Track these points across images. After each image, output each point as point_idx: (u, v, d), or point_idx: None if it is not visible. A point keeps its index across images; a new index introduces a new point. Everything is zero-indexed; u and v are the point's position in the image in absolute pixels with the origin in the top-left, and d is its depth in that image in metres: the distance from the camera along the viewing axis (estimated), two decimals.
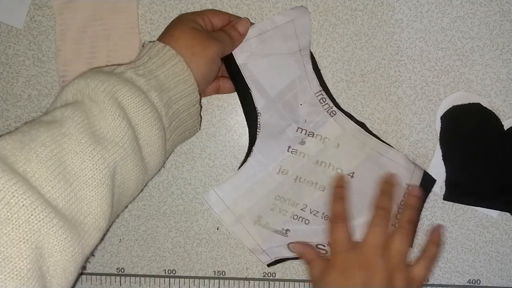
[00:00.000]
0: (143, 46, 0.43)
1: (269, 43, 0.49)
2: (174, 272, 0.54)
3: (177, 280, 0.54)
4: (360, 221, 0.49)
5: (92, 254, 0.37)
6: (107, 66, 0.42)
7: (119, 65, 0.41)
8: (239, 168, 0.51)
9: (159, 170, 0.44)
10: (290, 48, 0.50)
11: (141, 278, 0.54)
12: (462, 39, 0.51)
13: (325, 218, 0.50)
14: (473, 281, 0.53)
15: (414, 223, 0.49)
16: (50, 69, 0.53)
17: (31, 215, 0.31)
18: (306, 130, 0.50)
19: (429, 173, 0.51)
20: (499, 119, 0.51)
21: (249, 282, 0.54)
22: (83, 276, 0.54)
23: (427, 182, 0.51)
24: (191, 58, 0.42)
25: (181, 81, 0.42)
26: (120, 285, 0.54)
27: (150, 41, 0.43)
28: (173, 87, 0.41)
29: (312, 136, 0.50)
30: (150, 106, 0.39)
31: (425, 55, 0.51)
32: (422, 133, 0.52)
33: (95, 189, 0.35)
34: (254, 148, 0.50)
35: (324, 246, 0.50)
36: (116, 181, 0.37)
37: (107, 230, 0.38)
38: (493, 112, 0.51)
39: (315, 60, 0.51)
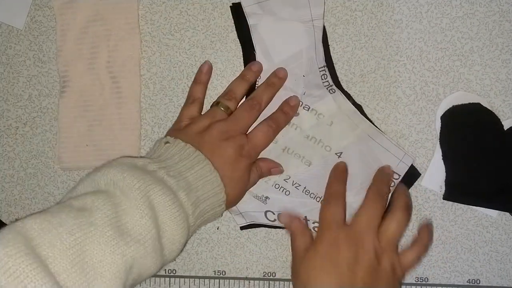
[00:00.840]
0: (168, 142, 0.45)
1: (281, 8, 0.50)
2: (174, 271, 0.54)
3: (177, 279, 0.54)
4: None
5: None
6: (137, 158, 0.44)
7: (151, 159, 0.44)
8: None
9: None
10: (302, 16, 0.50)
11: None
12: (461, 40, 0.51)
13: (306, 192, 0.51)
14: (473, 280, 0.53)
15: (409, 209, 0.49)
16: (50, 69, 0.54)
17: None
18: (302, 103, 0.51)
19: (429, 173, 0.51)
20: (499, 119, 0.51)
21: (249, 282, 0.54)
22: None
23: (411, 175, 0.51)
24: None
25: (208, 182, 0.44)
26: None
27: (175, 139, 0.45)
28: (201, 187, 0.43)
29: (308, 110, 0.51)
30: (179, 206, 0.41)
31: (424, 56, 0.51)
32: (421, 133, 0.52)
33: (107, 282, 0.36)
34: None
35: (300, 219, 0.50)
36: (131, 274, 0.38)
37: None
38: (493, 112, 0.51)
39: (326, 34, 0.51)
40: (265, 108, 0.50)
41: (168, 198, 0.40)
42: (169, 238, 0.41)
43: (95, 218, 0.37)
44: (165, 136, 0.47)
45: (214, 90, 0.53)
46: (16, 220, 0.35)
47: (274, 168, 0.51)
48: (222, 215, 0.47)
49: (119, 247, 0.37)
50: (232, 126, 0.47)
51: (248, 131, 0.49)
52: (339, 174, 0.50)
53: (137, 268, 0.39)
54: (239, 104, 0.50)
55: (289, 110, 0.50)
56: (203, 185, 0.43)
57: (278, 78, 0.50)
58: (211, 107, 0.49)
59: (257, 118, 0.49)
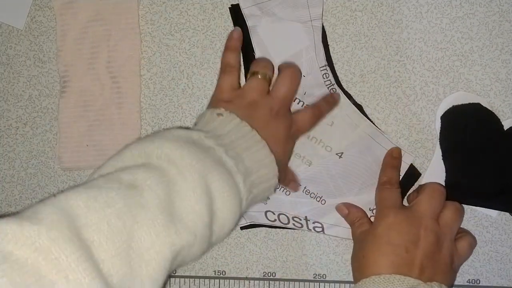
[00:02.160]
0: (221, 114, 0.42)
1: (280, 9, 0.50)
2: (174, 272, 0.54)
3: (177, 279, 0.54)
4: (338, 202, 0.50)
5: None
6: (190, 130, 0.41)
7: (205, 132, 0.40)
8: None
9: None
10: (301, 17, 0.50)
11: None
12: (461, 40, 0.51)
13: (306, 193, 0.51)
14: (473, 281, 0.53)
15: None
16: (51, 69, 0.54)
17: None
18: (303, 102, 0.51)
19: (429, 173, 0.51)
20: (498, 119, 0.51)
21: (249, 282, 0.54)
22: None
23: (411, 175, 0.51)
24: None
25: (264, 166, 0.41)
26: None
27: (230, 112, 0.43)
28: (255, 171, 0.41)
29: None
30: (236, 192, 0.39)
31: (424, 56, 0.51)
32: (421, 133, 0.52)
33: (152, 272, 0.33)
34: None
35: (300, 219, 0.51)
36: (175, 261, 0.36)
37: None
38: (493, 112, 0.51)
39: (325, 34, 0.51)
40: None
41: (226, 184, 0.38)
42: (220, 225, 0.38)
43: (147, 200, 0.34)
44: (211, 106, 0.44)
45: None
46: (56, 194, 0.32)
47: (293, 182, 0.50)
48: (266, 201, 0.46)
49: (169, 235, 0.34)
50: (279, 102, 0.45)
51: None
52: (393, 160, 0.50)
53: (182, 256, 0.36)
54: (278, 78, 0.48)
55: (332, 101, 0.50)
56: (258, 169, 0.41)
57: None
58: (249, 77, 0.47)
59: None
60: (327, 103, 0.50)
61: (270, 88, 0.47)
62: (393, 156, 0.50)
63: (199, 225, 0.36)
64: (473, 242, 0.48)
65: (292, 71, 0.47)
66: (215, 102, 0.46)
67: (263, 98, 0.45)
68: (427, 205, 0.45)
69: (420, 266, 0.42)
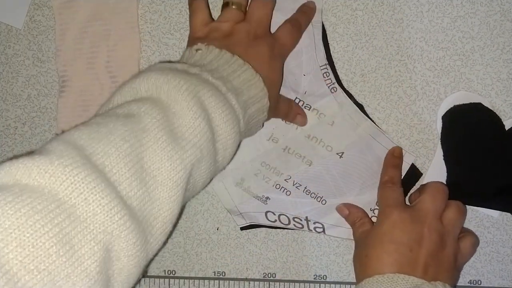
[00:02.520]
0: (199, 49, 0.42)
1: (280, 8, 0.50)
2: (174, 272, 0.54)
3: (176, 280, 0.54)
4: (339, 201, 0.50)
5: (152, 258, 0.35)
6: (170, 62, 0.40)
7: (188, 64, 0.40)
8: None
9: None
10: None
11: (141, 278, 0.54)
12: (462, 39, 0.51)
13: (307, 193, 0.51)
14: (474, 281, 0.52)
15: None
16: (50, 69, 0.53)
17: (107, 215, 0.30)
18: (304, 102, 0.50)
19: (430, 173, 0.51)
20: (500, 119, 0.51)
21: (249, 283, 0.53)
22: None
23: (412, 175, 0.51)
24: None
25: (253, 86, 0.41)
26: None
27: (207, 45, 0.42)
28: (246, 91, 0.41)
29: (309, 110, 0.51)
30: (231, 108, 0.38)
31: (425, 55, 0.51)
32: (422, 133, 0.52)
33: (169, 191, 0.34)
34: None
35: (301, 219, 0.51)
36: (189, 183, 0.36)
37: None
38: (494, 112, 0.51)
39: (326, 33, 0.51)
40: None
41: (219, 99, 0.37)
42: (223, 143, 0.38)
43: (145, 124, 0.34)
44: (190, 46, 0.44)
45: None
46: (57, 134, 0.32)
47: (300, 115, 0.49)
48: (263, 125, 0.45)
49: (176, 152, 0.34)
50: (255, 25, 0.45)
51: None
52: (395, 159, 0.50)
53: (193, 176, 0.36)
54: (251, 2, 0.47)
55: (308, 10, 0.49)
56: (248, 89, 0.41)
57: None
58: (222, 10, 0.47)
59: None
60: (304, 13, 0.49)
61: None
62: (394, 155, 0.50)
63: (202, 140, 0.36)
64: (476, 241, 0.47)
65: None
66: (191, 41, 0.46)
67: (238, 25, 0.45)
68: (430, 204, 0.45)
69: (424, 265, 0.42)
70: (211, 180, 0.41)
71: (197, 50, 0.42)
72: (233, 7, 0.46)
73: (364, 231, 0.47)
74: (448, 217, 0.45)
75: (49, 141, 0.32)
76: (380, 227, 0.45)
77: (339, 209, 0.50)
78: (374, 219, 0.50)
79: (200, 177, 0.37)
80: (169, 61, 0.42)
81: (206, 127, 0.36)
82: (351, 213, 0.49)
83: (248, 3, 0.48)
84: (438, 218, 0.44)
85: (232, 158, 0.41)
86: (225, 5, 0.47)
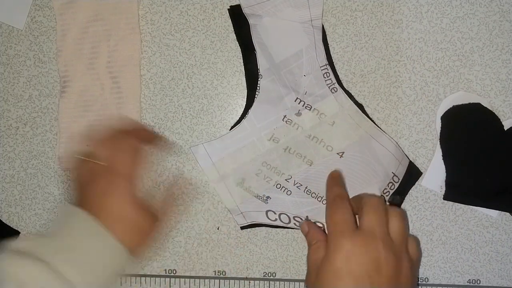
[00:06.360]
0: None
1: (281, 9, 0.50)
2: (174, 272, 0.54)
3: (177, 280, 0.54)
4: None
5: None
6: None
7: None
8: (232, 128, 0.51)
9: None
10: (301, 16, 0.50)
11: (142, 278, 0.54)
12: (461, 40, 0.51)
13: (307, 192, 0.51)
14: (473, 281, 0.53)
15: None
16: (51, 69, 0.54)
17: None
18: (304, 102, 0.51)
19: (429, 173, 0.51)
20: (499, 119, 0.51)
21: (249, 282, 0.54)
22: None
23: (413, 173, 0.51)
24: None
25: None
26: (121, 285, 0.54)
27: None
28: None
29: (309, 110, 0.51)
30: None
31: (424, 56, 0.51)
32: (422, 133, 0.52)
33: None
34: (250, 111, 0.51)
35: (301, 219, 0.51)
36: None
37: None
38: (493, 112, 0.51)
39: (325, 33, 0.51)
40: None
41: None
42: None
43: None
44: None
45: (214, 90, 0.53)
46: None
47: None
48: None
49: None
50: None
51: None
52: (336, 178, 0.49)
53: None
54: None
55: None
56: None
57: None
58: None
59: None
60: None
61: None
62: (333, 176, 0.49)
63: None
64: (418, 242, 0.45)
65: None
66: None
67: None
68: (375, 223, 0.42)
69: None
70: None
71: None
72: None
73: (318, 258, 0.43)
74: (394, 230, 0.43)
75: None
76: (334, 260, 0.41)
77: (301, 226, 0.49)
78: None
79: None
80: None
81: None
82: (310, 232, 0.47)
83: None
84: (388, 234, 0.43)
85: None
86: None
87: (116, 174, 0.43)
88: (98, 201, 0.42)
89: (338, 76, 0.51)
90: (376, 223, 0.43)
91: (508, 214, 0.52)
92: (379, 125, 0.51)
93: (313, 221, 0.51)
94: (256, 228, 0.53)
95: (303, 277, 0.53)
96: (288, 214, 0.51)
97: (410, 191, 0.52)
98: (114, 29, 0.52)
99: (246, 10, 0.50)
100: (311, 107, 0.51)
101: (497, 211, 0.52)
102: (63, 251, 0.39)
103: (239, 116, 0.52)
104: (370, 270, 0.40)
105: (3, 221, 0.54)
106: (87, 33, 0.53)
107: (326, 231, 0.44)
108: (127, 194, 0.43)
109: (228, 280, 0.54)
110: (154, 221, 0.45)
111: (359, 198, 0.46)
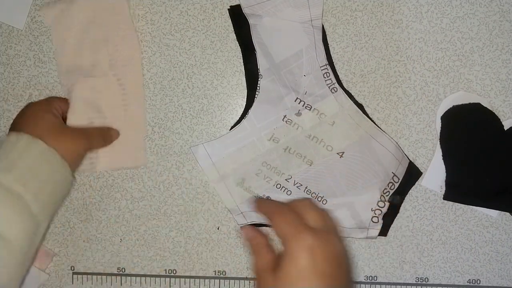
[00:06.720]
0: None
1: (281, 9, 0.50)
2: (174, 272, 0.54)
3: (177, 280, 0.54)
4: (340, 201, 0.51)
5: None
6: None
7: None
8: (232, 128, 0.51)
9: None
10: (302, 16, 0.50)
11: (142, 278, 0.54)
12: (461, 40, 0.51)
13: (307, 192, 0.51)
14: (473, 281, 0.53)
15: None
16: (51, 69, 0.54)
17: None
18: (304, 102, 0.51)
19: (429, 173, 0.51)
20: (499, 119, 0.51)
21: (249, 282, 0.54)
22: (84, 276, 0.54)
23: (413, 173, 0.51)
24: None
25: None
26: (121, 285, 0.54)
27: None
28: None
29: (309, 110, 0.51)
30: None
31: (424, 56, 0.51)
32: (422, 133, 0.52)
33: None
34: (250, 111, 0.51)
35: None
36: None
37: None
38: (493, 112, 0.51)
39: (325, 33, 0.51)
40: None
41: None
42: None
43: None
44: None
45: (214, 90, 0.53)
46: None
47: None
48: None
49: None
50: None
51: None
52: (262, 201, 0.45)
53: None
54: None
55: None
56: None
57: None
58: None
59: None
60: None
61: None
62: (258, 201, 0.45)
63: None
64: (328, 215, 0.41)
65: None
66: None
67: None
68: (318, 218, 0.40)
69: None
70: None
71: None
72: None
73: (266, 261, 0.40)
74: (317, 228, 0.39)
75: None
76: (297, 260, 0.37)
77: (244, 231, 0.44)
78: (375, 219, 0.51)
79: None
80: None
81: None
82: (256, 237, 0.43)
83: None
84: (309, 232, 0.38)
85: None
86: None
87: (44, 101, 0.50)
88: (25, 121, 0.47)
89: (338, 76, 0.51)
90: (319, 219, 0.40)
91: (508, 214, 0.52)
92: (379, 125, 0.52)
93: None
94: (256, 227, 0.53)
95: None
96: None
97: (410, 191, 0.52)
98: (110, 32, 0.52)
99: (246, 10, 0.50)
100: (311, 107, 0.51)
101: (497, 211, 0.52)
102: (5, 169, 0.43)
103: (239, 116, 0.52)
104: (334, 265, 0.37)
105: None
106: (84, 43, 0.52)
107: (279, 237, 0.40)
108: (49, 109, 0.48)
109: (228, 280, 0.54)
110: (82, 131, 0.50)
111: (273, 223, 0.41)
